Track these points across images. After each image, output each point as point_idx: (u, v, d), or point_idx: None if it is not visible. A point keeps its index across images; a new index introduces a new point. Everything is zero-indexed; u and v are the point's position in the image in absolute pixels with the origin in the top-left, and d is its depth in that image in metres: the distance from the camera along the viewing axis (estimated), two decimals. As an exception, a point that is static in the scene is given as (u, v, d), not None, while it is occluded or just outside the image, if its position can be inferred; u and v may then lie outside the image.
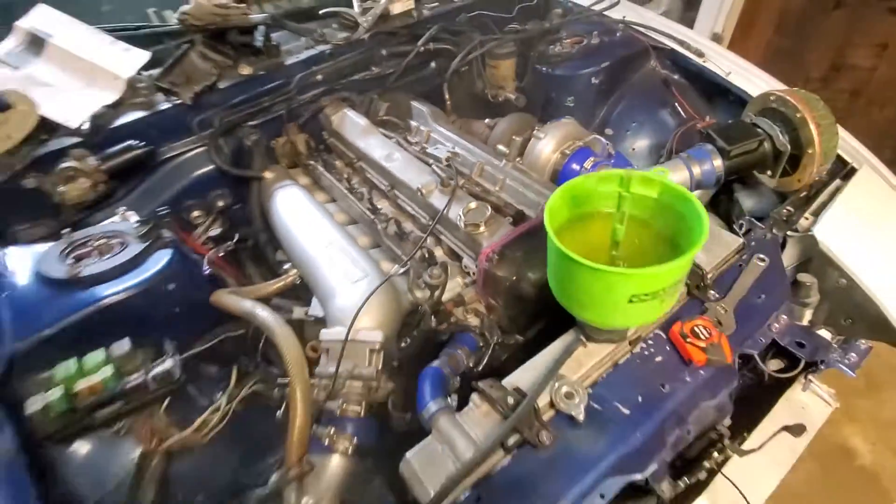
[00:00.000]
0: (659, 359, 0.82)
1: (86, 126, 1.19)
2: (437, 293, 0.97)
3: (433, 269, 0.97)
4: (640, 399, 0.78)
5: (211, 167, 1.29)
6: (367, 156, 1.30)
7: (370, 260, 1.05)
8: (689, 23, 2.66)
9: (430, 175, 1.16)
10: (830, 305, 1.00)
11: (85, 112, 1.19)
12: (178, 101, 1.28)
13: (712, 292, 0.90)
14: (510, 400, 0.75)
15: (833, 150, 1.03)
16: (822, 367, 0.92)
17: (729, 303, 0.88)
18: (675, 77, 1.45)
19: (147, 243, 0.97)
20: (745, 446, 0.88)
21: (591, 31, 1.54)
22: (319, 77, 1.43)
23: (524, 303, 0.93)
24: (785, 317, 0.91)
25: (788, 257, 1.05)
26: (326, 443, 0.82)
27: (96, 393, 0.78)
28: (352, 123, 1.40)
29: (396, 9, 1.52)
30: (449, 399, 0.83)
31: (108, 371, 0.79)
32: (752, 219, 1.04)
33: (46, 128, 1.19)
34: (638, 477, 0.72)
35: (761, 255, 0.95)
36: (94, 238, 0.98)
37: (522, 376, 0.80)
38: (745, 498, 0.82)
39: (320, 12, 1.54)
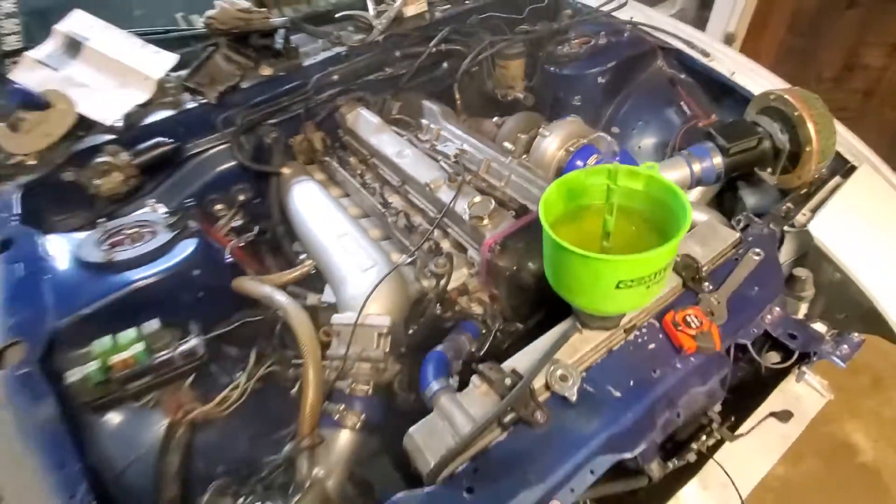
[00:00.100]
0: (652, 346, 0.86)
1: (119, 124, 1.28)
2: (442, 282, 1.03)
3: (438, 259, 1.02)
4: (631, 383, 0.82)
5: (233, 163, 1.37)
6: (380, 152, 1.36)
7: (380, 251, 1.11)
8: (704, 22, 2.67)
9: (439, 171, 1.22)
10: (826, 299, 1.02)
11: (119, 111, 1.28)
12: (204, 101, 1.36)
13: (706, 284, 0.93)
14: (507, 381, 0.80)
15: (831, 147, 1.05)
16: (815, 359, 0.95)
17: (722, 294, 0.92)
18: (682, 76, 1.48)
19: (175, 233, 1.04)
20: (735, 432, 0.91)
21: (598, 32, 1.57)
22: (335, 77, 1.49)
23: (525, 292, 0.97)
24: (778, 309, 0.94)
25: (786, 252, 1.07)
26: (336, 418, 0.88)
27: (129, 367, 0.85)
28: (365, 122, 1.46)
29: (410, 11, 1.58)
30: (450, 380, 0.88)
31: (139, 347, 0.87)
32: (750, 215, 1.07)
33: (83, 125, 1.28)
34: (628, 456, 0.77)
35: (757, 250, 0.98)
36: (126, 227, 1.06)
37: (520, 360, 0.85)
38: (733, 482, 0.85)
39: (337, 15, 1.60)
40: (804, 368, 0.96)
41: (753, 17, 2.37)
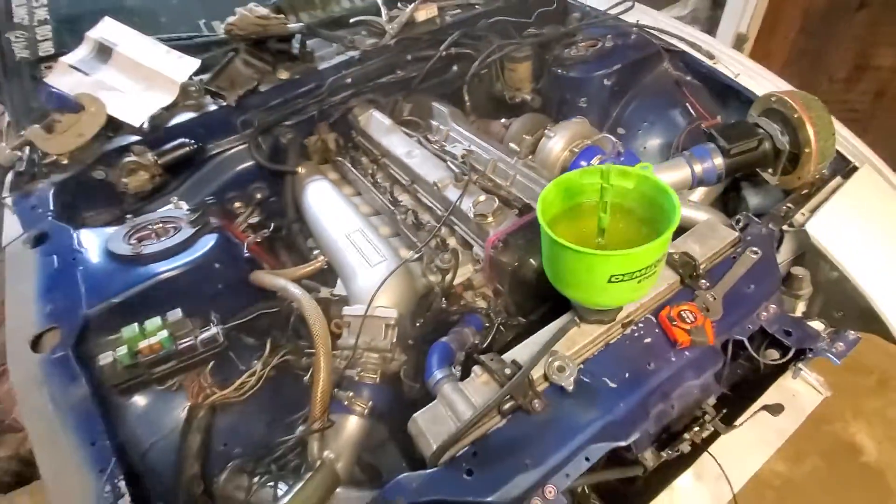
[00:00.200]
0: (648, 340, 0.90)
1: (146, 125, 1.35)
2: (448, 277, 1.08)
3: (444, 255, 1.07)
4: (626, 375, 0.85)
5: (251, 163, 1.43)
6: (390, 153, 1.42)
7: (389, 247, 1.16)
8: (716, 22, 2.67)
9: (446, 171, 1.27)
10: (823, 298, 1.04)
11: (145, 113, 1.36)
12: (224, 104, 1.43)
13: (703, 281, 0.96)
14: (507, 371, 0.84)
15: (830, 149, 1.07)
16: (811, 356, 0.97)
17: (718, 291, 0.95)
18: (687, 78, 1.50)
19: (197, 228, 1.10)
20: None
21: (605, 35, 1.60)
22: (349, 80, 1.53)
23: (526, 287, 1.02)
24: (774, 306, 0.96)
25: (785, 252, 1.10)
26: (346, 404, 0.94)
27: (155, 352, 0.92)
28: (377, 123, 1.52)
29: (421, 16, 1.62)
30: (453, 369, 0.93)
31: (164, 334, 0.93)
32: (750, 214, 1.09)
33: (112, 126, 1.35)
34: (622, 444, 0.80)
35: (754, 248, 1.00)
36: (152, 223, 1.13)
37: (520, 351, 0.89)
38: (724, 474, 0.88)
39: (351, 21, 1.66)
40: (800, 365, 0.98)
41: (764, 18, 2.36)
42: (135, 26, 1.52)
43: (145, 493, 0.83)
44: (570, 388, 0.82)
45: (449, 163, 1.29)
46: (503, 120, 1.58)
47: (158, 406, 0.97)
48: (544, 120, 1.52)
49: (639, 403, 0.83)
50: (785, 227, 1.06)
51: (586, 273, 0.71)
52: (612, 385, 0.84)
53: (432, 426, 0.81)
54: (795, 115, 1.05)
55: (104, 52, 1.47)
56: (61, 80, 1.40)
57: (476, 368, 0.87)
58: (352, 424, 0.94)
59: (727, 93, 1.43)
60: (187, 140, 1.36)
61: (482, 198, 1.11)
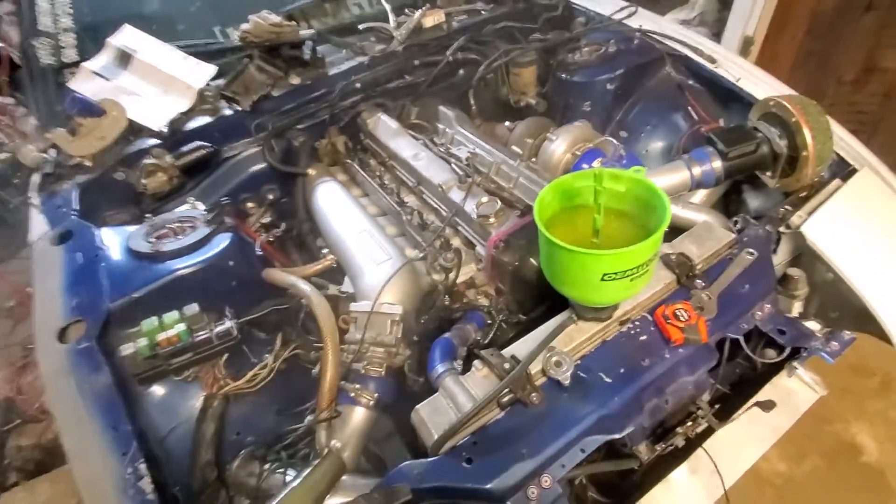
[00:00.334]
0: (643, 338, 0.93)
1: (164, 129, 1.41)
2: (451, 275, 1.12)
3: (448, 254, 1.11)
4: (622, 370, 0.88)
5: (264, 165, 1.48)
6: (397, 155, 1.46)
7: (395, 246, 1.20)
8: (724, 24, 2.67)
9: (451, 173, 1.31)
10: (820, 299, 1.06)
11: (164, 117, 1.42)
12: (239, 108, 1.48)
13: (699, 281, 0.99)
14: (506, 365, 0.88)
15: (827, 152, 1.08)
16: (805, 355, 0.99)
17: (714, 291, 0.97)
18: (690, 83, 1.52)
19: (212, 228, 1.16)
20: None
21: (609, 40, 1.63)
22: (358, 85, 1.58)
23: (526, 285, 1.05)
24: (769, 306, 0.98)
25: (782, 253, 1.12)
26: (352, 395, 0.98)
27: (173, 344, 0.97)
28: (385, 126, 1.56)
29: (428, 23, 1.66)
30: (455, 364, 0.97)
31: (181, 327, 0.98)
32: (747, 216, 1.11)
33: (131, 129, 1.42)
34: (616, 436, 0.83)
35: (751, 249, 1.03)
36: (170, 222, 1.19)
37: (519, 347, 0.92)
38: (717, 468, 0.90)
39: (360, 27, 1.70)
40: (795, 364, 1.00)
41: (772, 20, 2.36)
42: (153, 33, 1.59)
43: (163, 477, 0.88)
44: (567, 382, 0.85)
45: (454, 165, 1.33)
46: (507, 123, 1.61)
47: (175, 395, 1.03)
48: (547, 123, 1.55)
49: (633, 398, 0.86)
50: (782, 229, 1.08)
51: (580, 271, 0.75)
52: (608, 380, 0.87)
53: (434, 417, 0.85)
54: (793, 119, 1.07)
55: (124, 58, 1.54)
56: (84, 85, 1.47)
57: (476, 362, 0.91)
58: (358, 415, 0.98)
59: (729, 96, 1.45)
60: (204, 143, 1.41)
61: (485, 199, 1.15)
